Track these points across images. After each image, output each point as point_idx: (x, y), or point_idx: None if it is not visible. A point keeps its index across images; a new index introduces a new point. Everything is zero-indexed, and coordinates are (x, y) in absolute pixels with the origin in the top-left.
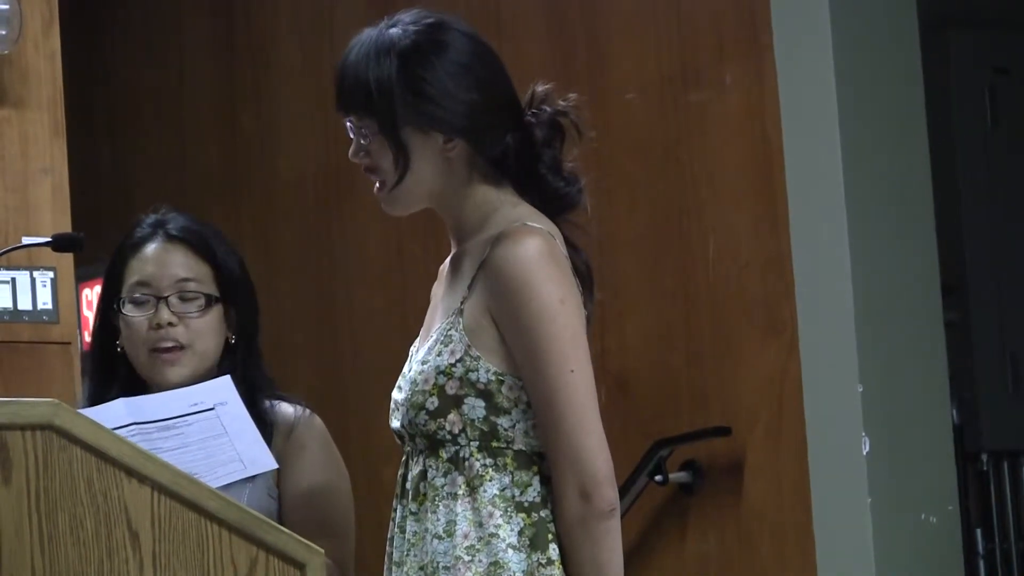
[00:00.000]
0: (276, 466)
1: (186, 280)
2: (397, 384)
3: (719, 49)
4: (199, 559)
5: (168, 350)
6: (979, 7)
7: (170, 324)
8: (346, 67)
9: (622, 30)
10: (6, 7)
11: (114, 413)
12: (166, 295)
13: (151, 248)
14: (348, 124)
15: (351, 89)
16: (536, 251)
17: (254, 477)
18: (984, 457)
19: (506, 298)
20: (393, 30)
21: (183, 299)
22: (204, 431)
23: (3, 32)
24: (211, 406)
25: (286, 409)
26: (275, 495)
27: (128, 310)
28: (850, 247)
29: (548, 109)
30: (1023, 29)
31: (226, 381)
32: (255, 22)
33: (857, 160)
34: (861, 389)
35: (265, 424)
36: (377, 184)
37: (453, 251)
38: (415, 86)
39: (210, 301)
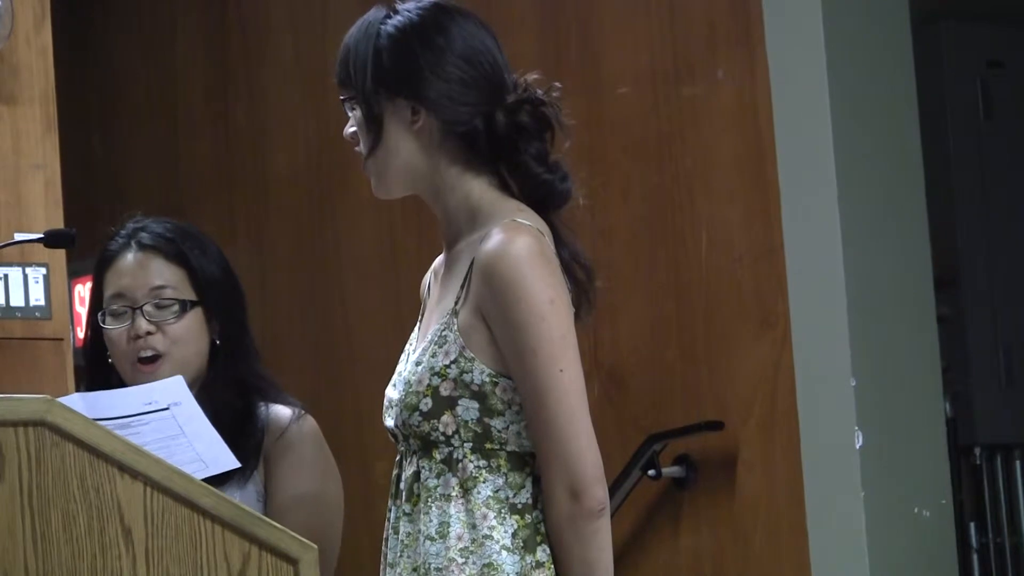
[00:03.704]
0: (238, 464)
1: (161, 287)
2: (392, 382)
3: (711, 43)
4: (192, 555)
5: (148, 360)
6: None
7: (148, 333)
8: (342, 44)
9: (614, 24)
10: None
11: (70, 406)
12: (141, 304)
13: (125, 260)
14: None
15: (339, 62)
16: (526, 249)
17: (246, 484)
18: (977, 451)
19: (495, 297)
20: (386, 11)
21: (159, 307)
22: (160, 431)
23: None
24: (165, 406)
25: (281, 412)
26: (263, 498)
27: (108, 324)
28: (843, 240)
29: (527, 98)
30: (1015, 21)
31: (178, 381)
32: (248, 18)
33: (849, 153)
34: (854, 383)
35: (257, 427)
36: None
37: (445, 253)
38: (387, 53)
39: (185, 306)
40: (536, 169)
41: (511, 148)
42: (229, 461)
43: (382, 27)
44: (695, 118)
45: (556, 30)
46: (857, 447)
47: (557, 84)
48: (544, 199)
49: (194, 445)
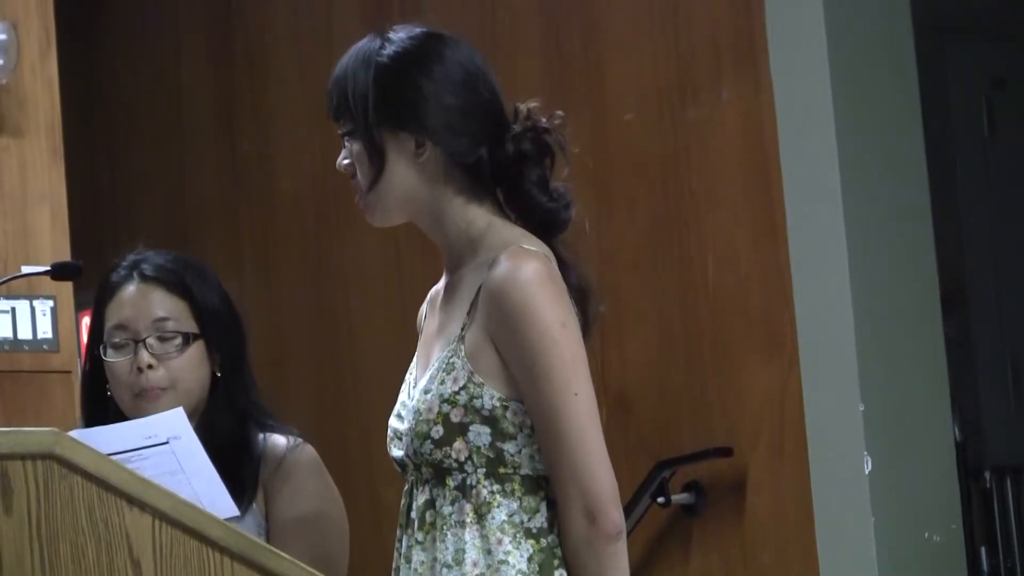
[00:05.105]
0: (237, 513)
1: (163, 320)
2: (395, 412)
3: (716, 65)
4: None
5: (149, 390)
6: (975, 18)
7: (149, 367)
8: (335, 75)
9: (619, 48)
10: (3, 36)
11: None
12: (144, 337)
13: (127, 291)
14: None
15: (334, 94)
16: (535, 274)
17: (244, 515)
18: (987, 474)
19: (507, 322)
20: (381, 41)
21: (161, 339)
22: (160, 466)
23: (0, 62)
24: (164, 440)
25: (278, 440)
26: (264, 530)
27: (109, 355)
28: (849, 261)
29: (531, 126)
30: (1019, 39)
31: (179, 413)
32: (253, 43)
33: (855, 174)
34: (863, 408)
35: (253, 456)
36: (357, 193)
37: (445, 279)
38: (388, 86)
39: (188, 339)
40: (540, 198)
41: (514, 176)
42: (228, 508)
43: (378, 59)
44: (700, 139)
45: (561, 54)
46: (866, 472)
47: (559, 112)
48: (546, 227)
49: (193, 483)
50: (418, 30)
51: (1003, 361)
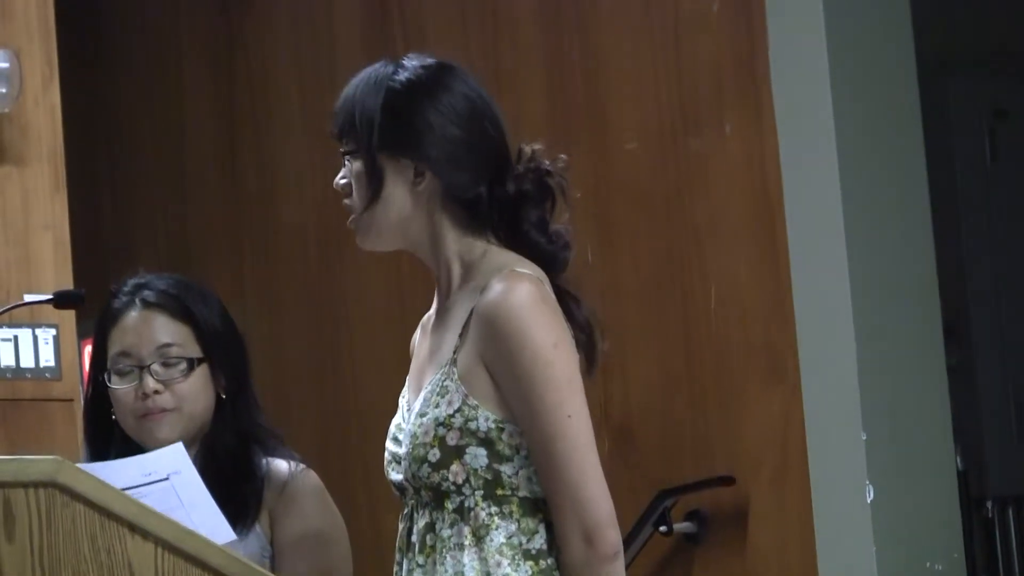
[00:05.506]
0: (235, 537)
1: (168, 345)
2: (391, 436)
3: (718, 98)
4: None
5: (154, 411)
6: (977, 51)
7: (156, 392)
8: (343, 95)
9: (622, 81)
10: (6, 65)
11: None
12: (148, 363)
13: (130, 317)
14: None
15: (340, 112)
16: (527, 297)
17: (247, 535)
18: (989, 504)
19: (499, 345)
20: (394, 67)
21: (166, 365)
22: (160, 503)
23: (3, 90)
24: (165, 476)
25: (281, 465)
26: (268, 554)
27: (114, 382)
28: (851, 293)
29: (534, 167)
30: (1021, 71)
31: (178, 448)
32: (256, 74)
33: (857, 206)
34: (865, 437)
35: (256, 478)
36: (351, 214)
37: (436, 304)
38: (396, 111)
39: (192, 364)
40: (538, 239)
41: (513, 217)
42: (226, 534)
43: (390, 84)
44: (703, 173)
45: (564, 87)
46: (868, 501)
47: (563, 156)
48: (544, 268)
49: (192, 516)
50: (430, 60)
51: (1005, 390)
